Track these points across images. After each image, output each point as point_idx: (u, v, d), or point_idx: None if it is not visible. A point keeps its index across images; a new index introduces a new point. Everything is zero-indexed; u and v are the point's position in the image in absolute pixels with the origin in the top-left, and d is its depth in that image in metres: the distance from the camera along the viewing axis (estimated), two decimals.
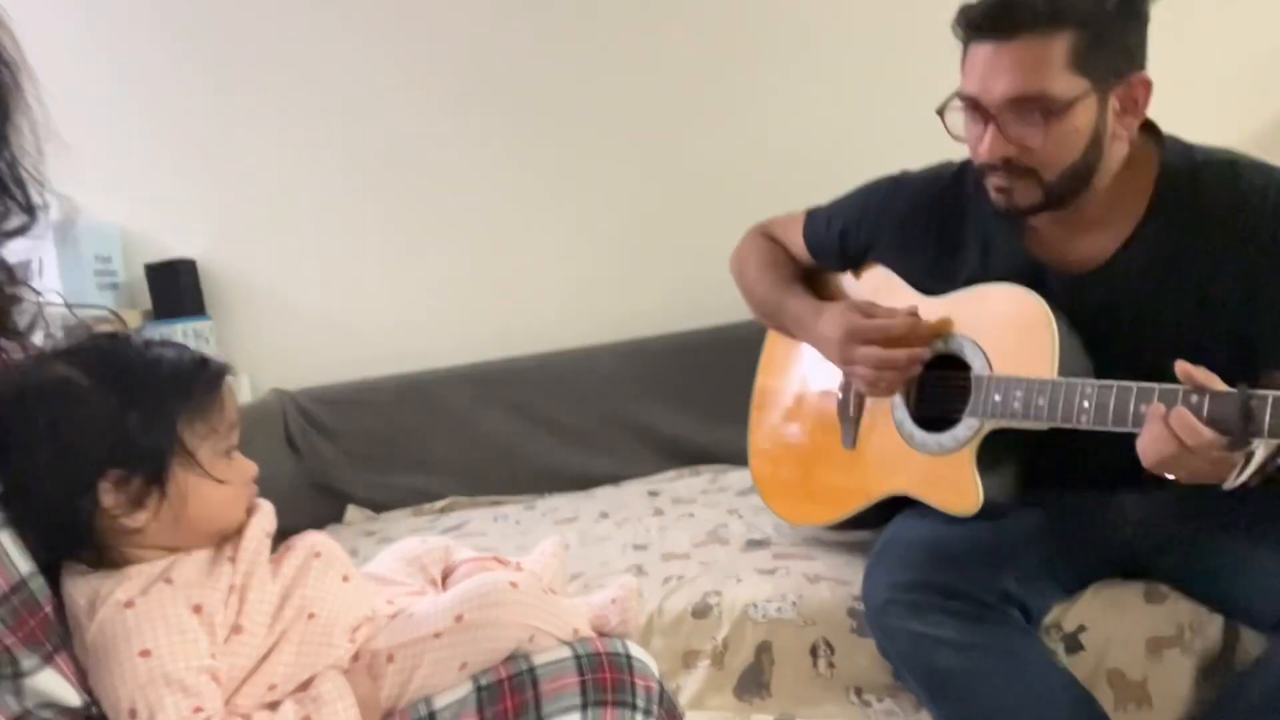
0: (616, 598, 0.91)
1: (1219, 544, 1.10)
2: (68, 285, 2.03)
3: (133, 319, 2.14)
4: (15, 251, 0.75)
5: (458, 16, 2.15)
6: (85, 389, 0.69)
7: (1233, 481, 0.94)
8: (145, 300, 2.18)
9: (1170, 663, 1.12)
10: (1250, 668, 1.06)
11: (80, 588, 0.70)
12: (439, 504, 2.07)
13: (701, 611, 1.30)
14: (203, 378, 0.74)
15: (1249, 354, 1.07)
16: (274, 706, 0.71)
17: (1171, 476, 0.98)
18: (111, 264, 2.18)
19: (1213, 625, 1.12)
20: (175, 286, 2.15)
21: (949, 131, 1.16)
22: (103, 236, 2.17)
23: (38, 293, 0.77)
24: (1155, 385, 0.98)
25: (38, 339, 0.76)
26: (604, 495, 1.98)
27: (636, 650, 0.84)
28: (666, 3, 2.13)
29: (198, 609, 0.70)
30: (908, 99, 1.40)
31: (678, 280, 2.16)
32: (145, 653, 0.66)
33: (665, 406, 2.09)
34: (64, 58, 2.16)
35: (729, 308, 1.70)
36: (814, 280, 1.50)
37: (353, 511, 2.10)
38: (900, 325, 1.24)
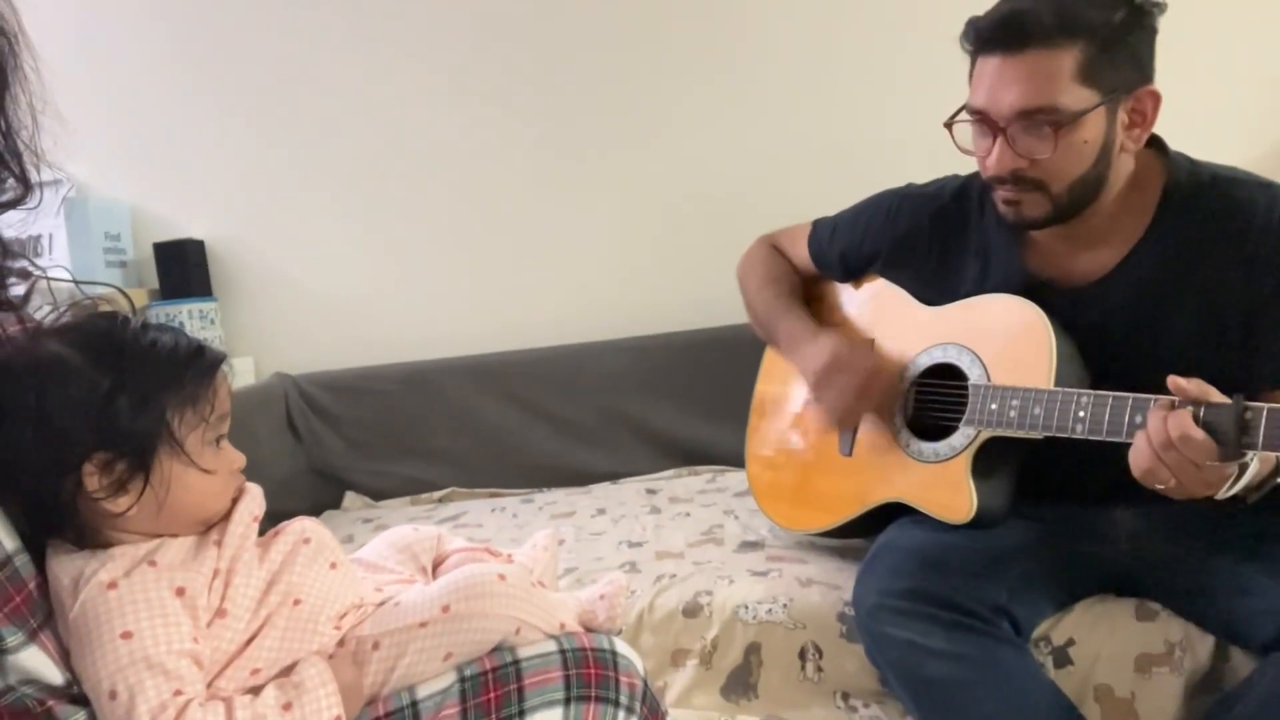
0: (605, 593, 0.91)
1: (1212, 564, 1.09)
2: (77, 262, 2.05)
3: (139, 298, 2.15)
4: (12, 225, 0.72)
5: (466, 8, 2.15)
6: (76, 368, 0.68)
7: (1226, 492, 0.94)
8: (153, 279, 2.20)
9: (1159, 681, 1.11)
10: (1236, 688, 1.05)
11: (64, 567, 0.69)
12: (438, 494, 2.08)
13: (692, 610, 1.30)
14: (197, 366, 0.74)
15: (1247, 371, 1.07)
16: (256, 691, 0.71)
17: (1161, 488, 0.97)
18: (120, 242, 2.19)
19: (1203, 645, 1.11)
20: (183, 266, 2.17)
21: (957, 145, 1.16)
22: (113, 214, 2.18)
23: (35, 264, 0.75)
24: (1151, 396, 0.97)
25: (39, 314, 0.75)
26: (602, 491, 1.98)
27: (622, 647, 0.84)
28: (679, 5, 2.12)
29: (180, 592, 0.69)
30: (917, 112, 1.39)
31: (682, 280, 2.16)
32: (127, 634, 0.66)
33: (666, 405, 2.09)
34: (80, 38, 2.18)
35: (732, 309, 1.69)
36: (815, 289, 1.51)
37: (351, 498, 2.11)
38: (885, 373, 1.28)
